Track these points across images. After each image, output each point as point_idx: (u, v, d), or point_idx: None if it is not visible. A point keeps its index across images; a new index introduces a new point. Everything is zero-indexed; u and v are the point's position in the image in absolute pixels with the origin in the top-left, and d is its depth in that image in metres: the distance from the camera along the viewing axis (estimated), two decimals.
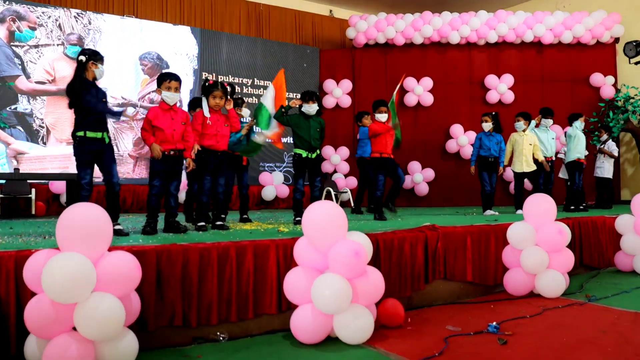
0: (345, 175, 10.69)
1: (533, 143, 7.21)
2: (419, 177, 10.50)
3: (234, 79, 10.11)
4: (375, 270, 3.49)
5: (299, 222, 5.29)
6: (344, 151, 10.75)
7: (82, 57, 4.15)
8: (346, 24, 11.54)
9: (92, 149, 4.19)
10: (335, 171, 10.76)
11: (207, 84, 4.77)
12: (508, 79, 10.60)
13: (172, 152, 4.39)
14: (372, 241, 3.91)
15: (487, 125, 7.05)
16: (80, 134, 4.15)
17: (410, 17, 10.67)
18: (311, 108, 5.35)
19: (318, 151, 5.47)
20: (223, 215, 5.06)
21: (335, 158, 10.67)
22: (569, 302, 4.46)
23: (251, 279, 3.55)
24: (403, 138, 6.62)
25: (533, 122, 7.25)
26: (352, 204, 10.23)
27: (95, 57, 4.20)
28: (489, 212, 7.04)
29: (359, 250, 3.27)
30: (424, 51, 10.92)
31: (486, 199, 7.10)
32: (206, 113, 4.71)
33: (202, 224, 4.65)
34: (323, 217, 3.39)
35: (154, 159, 4.37)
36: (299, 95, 10.85)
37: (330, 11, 12.90)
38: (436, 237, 4.55)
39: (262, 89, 10.40)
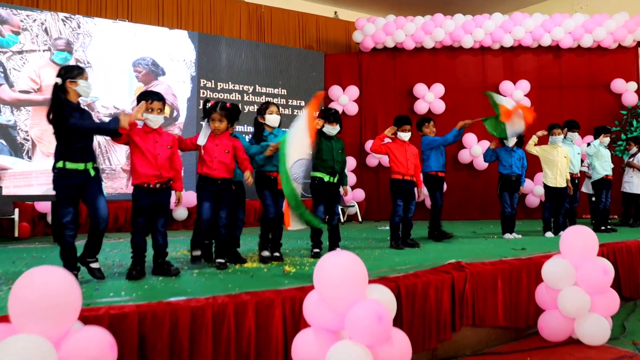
0: (352, 187, 10.12)
1: (567, 156, 6.65)
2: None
3: (234, 86, 9.55)
4: (400, 333, 2.92)
5: (317, 255, 4.79)
6: (351, 161, 10.17)
7: (58, 80, 3.51)
8: (352, 26, 10.98)
9: (75, 182, 3.59)
10: None
11: (207, 105, 4.20)
12: (524, 85, 10.04)
13: (157, 185, 3.83)
14: (392, 288, 3.37)
15: (512, 141, 6.49)
16: (60, 165, 3.52)
17: (421, 19, 10.09)
18: (334, 130, 4.95)
19: (338, 175, 5.01)
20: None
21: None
22: (618, 355, 3.88)
23: (252, 340, 2.99)
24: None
25: (560, 137, 6.66)
26: (359, 218, 9.70)
27: (71, 74, 3.52)
28: (509, 235, 6.47)
29: (382, 314, 2.70)
30: (435, 56, 10.35)
31: (506, 221, 6.53)
32: (200, 140, 4.15)
33: (198, 253, 4.13)
34: (339, 272, 2.81)
35: (137, 191, 3.81)
36: (303, 103, 10.39)
37: (335, 13, 12.34)
38: (464, 278, 3.98)
39: (263, 96, 9.83)
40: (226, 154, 4.20)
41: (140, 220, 3.81)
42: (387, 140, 5.61)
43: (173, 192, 4.00)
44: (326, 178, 4.90)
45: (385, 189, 10.56)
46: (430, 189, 6.35)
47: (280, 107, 9.90)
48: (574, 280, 4.14)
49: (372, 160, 10.22)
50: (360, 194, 10.06)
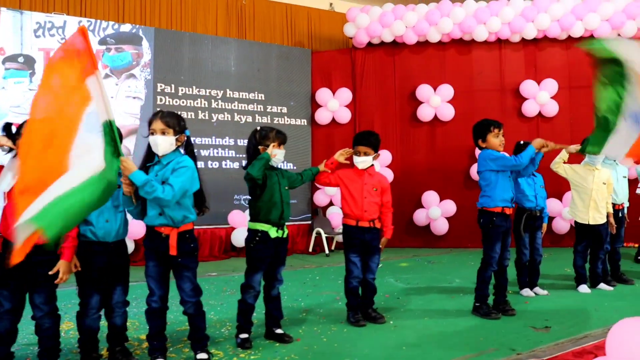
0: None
1: (607, 182, 4.95)
2: (436, 211, 8.26)
3: (198, 91, 8.02)
4: None
5: (244, 344, 3.31)
6: None
7: None
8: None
9: None
10: (331, 203, 8.59)
11: (12, 130, 2.69)
12: (550, 85, 8.29)
13: None
14: None
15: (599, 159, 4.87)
16: None
17: (424, 8, 8.43)
18: (282, 154, 3.51)
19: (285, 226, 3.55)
20: None
21: (330, 187, 8.47)
22: None
23: None
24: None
25: (601, 157, 4.95)
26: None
27: None
28: (528, 292, 4.78)
29: None
30: (441, 51, 8.67)
31: (523, 271, 4.82)
32: (1, 186, 2.62)
33: None
34: None
35: None
36: (285, 109, 8.84)
37: (331, 4, 10.76)
38: None
39: (236, 102, 8.28)
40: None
41: None
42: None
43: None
44: (273, 232, 3.42)
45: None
46: (486, 234, 4.10)
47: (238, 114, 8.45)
48: None
49: None
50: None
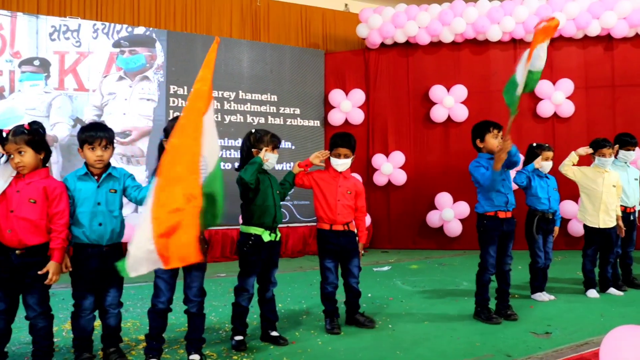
0: None
1: (618, 184, 4.86)
2: (449, 213, 8.18)
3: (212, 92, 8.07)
4: None
5: (240, 346, 3.32)
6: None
7: None
8: None
9: None
10: None
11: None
12: (566, 85, 8.14)
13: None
14: None
15: (548, 165, 4.77)
16: None
17: (437, 8, 8.37)
18: (274, 159, 3.49)
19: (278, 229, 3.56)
20: None
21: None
22: None
23: None
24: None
25: (610, 159, 4.86)
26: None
27: None
28: (541, 295, 4.71)
29: None
30: (455, 51, 8.60)
31: (538, 275, 4.75)
32: None
33: None
34: None
35: None
36: (298, 111, 8.85)
37: (346, 5, 10.75)
38: None
39: (248, 103, 8.34)
40: (31, 204, 2.70)
41: None
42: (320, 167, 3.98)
43: None
44: (266, 236, 3.42)
45: (397, 211, 8.96)
46: (480, 238, 4.14)
47: (268, 117, 8.50)
48: None
49: (381, 178, 8.57)
50: (366, 218, 8.41)
